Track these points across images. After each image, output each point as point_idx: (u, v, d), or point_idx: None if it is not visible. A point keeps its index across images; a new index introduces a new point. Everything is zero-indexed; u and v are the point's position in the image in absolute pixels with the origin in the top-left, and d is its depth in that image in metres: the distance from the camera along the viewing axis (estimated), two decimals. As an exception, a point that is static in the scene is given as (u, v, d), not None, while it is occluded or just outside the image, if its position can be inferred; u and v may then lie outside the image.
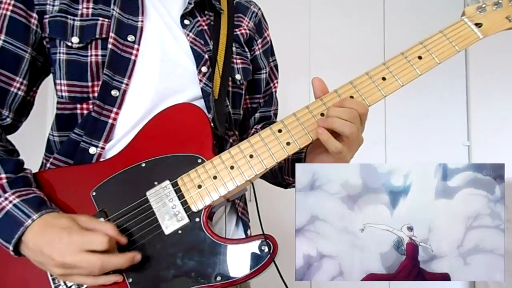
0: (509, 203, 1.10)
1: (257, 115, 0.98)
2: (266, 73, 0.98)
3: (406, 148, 2.45)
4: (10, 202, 0.66)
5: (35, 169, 0.77)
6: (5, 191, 0.67)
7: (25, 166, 0.74)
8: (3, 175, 0.68)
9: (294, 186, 0.86)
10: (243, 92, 0.92)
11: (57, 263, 0.62)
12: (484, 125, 2.55)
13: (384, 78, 0.71)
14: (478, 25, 0.73)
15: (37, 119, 0.88)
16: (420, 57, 0.71)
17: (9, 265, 0.69)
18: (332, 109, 0.69)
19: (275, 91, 1.02)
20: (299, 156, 0.82)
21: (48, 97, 2.12)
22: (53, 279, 0.68)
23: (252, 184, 0.74)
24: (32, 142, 1.05)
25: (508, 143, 2.52)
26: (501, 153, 2.49)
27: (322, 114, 0.71)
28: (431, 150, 2.47)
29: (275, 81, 1.02)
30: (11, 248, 0.64)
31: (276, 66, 1.03)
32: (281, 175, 0.89)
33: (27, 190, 0.68)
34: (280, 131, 0.72)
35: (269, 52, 1.00)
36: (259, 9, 1.00)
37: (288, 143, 0.71)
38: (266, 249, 0.67)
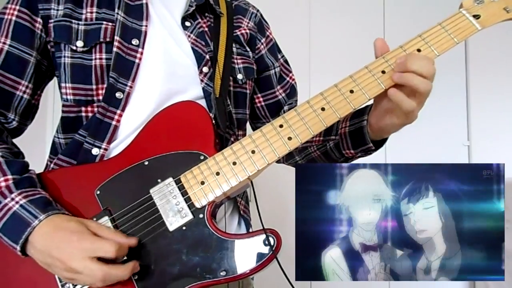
0: (509, 203, 1.10)
1: (285, 107, 0.99)
2: (276, 67, 0.99)
3: (406, 148, 2.45)
4: (17, 202, 0.66)
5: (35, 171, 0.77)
6: (11, 192, 0.67)
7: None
8: (10, 176, 0.69)
9: (359, 157, 0.85)
10: (248, 91, 0.93)
11: (65, 266, 0.62)
12: (484, 125, 2.55)
13: (383, 72, 0.71)
14: (476, 16, 0.73)
15: (36, 122, 0.89)
16: (419, 50, 0.72)
17: (17, 265, 0.69)
18: (412, 62, 0.67)
19: (295, 83, 1.03)
20: (361, 125, 0.80)
21: (48, 100, 2.12)
22: (61, 279, 0.68)
23: (252, 183, 0.74)
24: (31, 144, 1.05)
25: (508, 143, 2.52)
26: (501, 153, 2.49)
27: (322, 109, 0.71)
28: (431, 150, 2.47)
29: (290, 74, 1.03)
30: (18, 248, 0.65)
31: (286, 61, 1.04)
32: (338, 152, 0.87)
33: (33, 190, 0.69)
34: (281, 126, 0.72)
35: (275, 49, 1.02)
36: (258, 10, 1.02)
37: (289, 138, 0.71)
38: (271, 243, 0.68)
